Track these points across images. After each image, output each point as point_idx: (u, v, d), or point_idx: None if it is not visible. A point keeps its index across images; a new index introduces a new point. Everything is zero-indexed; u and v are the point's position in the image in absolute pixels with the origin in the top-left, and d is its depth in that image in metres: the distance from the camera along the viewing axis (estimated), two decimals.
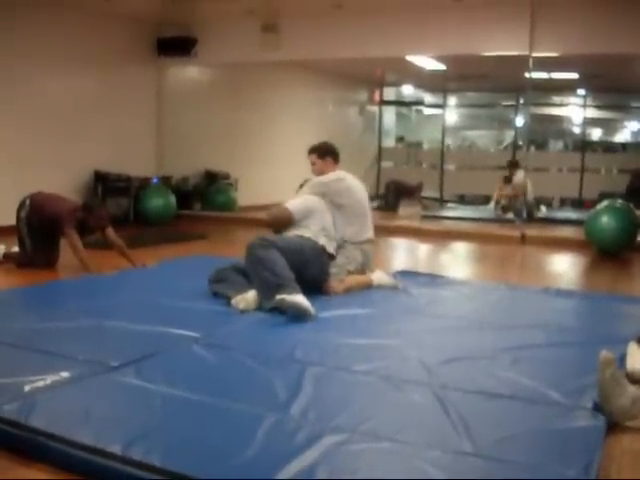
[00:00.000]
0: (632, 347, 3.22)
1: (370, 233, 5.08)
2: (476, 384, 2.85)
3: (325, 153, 5.25)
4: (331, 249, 4.74)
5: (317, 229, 4.73)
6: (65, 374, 2.79)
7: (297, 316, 3.88)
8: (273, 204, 5.49)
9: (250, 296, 4.08)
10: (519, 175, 11.04)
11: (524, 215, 9.64)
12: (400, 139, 17.28)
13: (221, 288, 4.31)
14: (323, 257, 4.65)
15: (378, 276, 4.94)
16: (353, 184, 5.15)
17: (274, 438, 2.28)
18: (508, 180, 11.56)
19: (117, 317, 3.79)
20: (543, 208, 11.64)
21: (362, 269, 4.96)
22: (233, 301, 4.06)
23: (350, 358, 3.21)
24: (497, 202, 11.82)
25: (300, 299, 3.95)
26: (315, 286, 4.55)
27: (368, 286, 4.84)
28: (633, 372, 2.95)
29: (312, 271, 4.51)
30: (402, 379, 2.90)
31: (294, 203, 4.88)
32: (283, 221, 4.80)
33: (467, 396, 2.72)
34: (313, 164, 5.21)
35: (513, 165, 11.72)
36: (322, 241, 4.67)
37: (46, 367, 2.86)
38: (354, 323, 3.91)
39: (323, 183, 5.04)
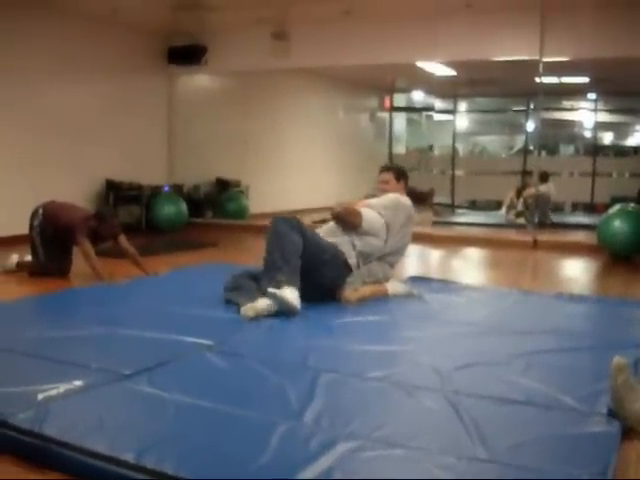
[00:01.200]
0: None
1: (398, 258, 5.08)
2: (489, 390, 2.84)
3: (402, 175, 5.21)
4: (353, 262, 4.67)
5: (357, 250, 4.67)
6: (78, 382, 2.80)
7: (283, 312, 3.98)
8: (284, 212, 5.47)
9: (261, 304, 4.05)
10: (546, 187, 11.01)
11: (536, 220, 9.62)
12: (427, 151, 17.20)
13: (234, 296, 4.31)
14: (341, 266, 4.60)
15: (393, 286, 4.91)
16: (414, 216, 5.09)
17: (287, 445, 2.27)
18: (519, 194, 11.56)
19: (129, 325, 3.79)
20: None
21: (378, 281, 4.93)
22: (242, 309, 4.04)
23: (363, 365, 3.20)
24: (508, 207, 11.79)
25: (288, 295, 3.98)
26: (328, 291, 4.55)
27: (383, 296, 4.79)
28: None
29: (327, 275, 4.50)
30: (415, 385, 2.89)
31: (370, 215, 4.75)
32: (348, 222, 4.68)
33: (480, 402, 2.71)
34: (386, 182, 5.11)
35: (543, 177, 11.49)
36: (347, 256, 4.62)
37: (59, 376, 2.86)
38: (367, 329, 3.90)
39: (407, 207, 4.99)
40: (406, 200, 5.07)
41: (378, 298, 4.74)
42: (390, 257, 4.94)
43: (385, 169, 5.25)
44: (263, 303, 4.05)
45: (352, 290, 4.67)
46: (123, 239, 5.67)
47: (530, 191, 11.32)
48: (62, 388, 2.72)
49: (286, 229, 4.24)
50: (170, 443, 2.29)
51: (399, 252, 5.02)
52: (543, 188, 10.93)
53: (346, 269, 4.63)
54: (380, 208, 4.87)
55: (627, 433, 2.49)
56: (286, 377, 2.96)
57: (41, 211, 5.70)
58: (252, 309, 4.01)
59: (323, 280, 4.47)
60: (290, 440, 2.32)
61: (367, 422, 2.48)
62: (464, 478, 2.08)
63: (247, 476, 2.06)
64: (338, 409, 2.64)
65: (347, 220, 4.67)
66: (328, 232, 4.73)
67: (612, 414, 2.55)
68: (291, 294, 4.04)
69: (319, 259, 4.41)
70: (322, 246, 4.51)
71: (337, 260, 4.57)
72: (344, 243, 4.64)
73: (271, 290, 4.00)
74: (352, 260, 4.65)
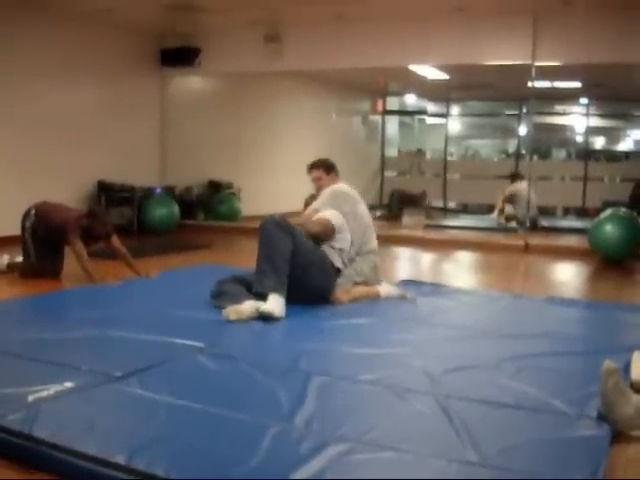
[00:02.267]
0: (636, 356, 3.22)
1: (374, 243, 5.07)
2: (480, 393, 2.85)
3: (331, 168, 5.26)
4: (340, 264, 4.72)
5: (337, 248, 4.71)
6: (69, 384, 2.79)
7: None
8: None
9: (244, 307, 4.04)
10: (519, 185, 11.13)
11: (527, 224, 9.64)
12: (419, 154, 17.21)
13: (220, 301, 4.28)
14: (329, 269, 4.63)
15: (385, 288, 4.94)
16: (357, 195, 5.13)
17: (278, 448, 2.28)
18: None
19: (121, 327, 3.79)
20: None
21: (369, 282, 4.95)
22: (224, 312, 4.00)
23: (354, 368, 3.21)
24: (500, 211, 11.83)
25: (271, 305, 4.01)
26: (320, 296, 4.56)
27: (375, 298, 4.83)
28: (638, 382, 2.94)
29: (316, 278, 4.51)
30: (406, 388, 2.90)
31: (334, 217, 4.78)
32: (328, 235, 4.71)
33: (471, 405, 2.72)
34: (319, 179, 5.17)
35: (515, 177, 11.73)
36: (334, 258, 4.66)
37: (50, 377, 2.85)
38: (358, 332, 3.90)
39: (344, 192, 5.04)
40: (340, 186, 5.10)
41: (370, 300, 4.76)
42: (365, 246, 4.95)
43: (313, 166, 5.26)
44: (246, 307, 4.05)
45: (343, 291, 4.68)
46: (115, 239, 5.66)
47: (505, 192, 11.43)
48: (53, 390, 2.71)
49: (275, 230, 4.25)
50: (161, 445, 2.29)
51: (366, 234, 4.99)
52: (517, 186, 11.10)
53: (334, 270, 4.67)
54: (326, 206, 4.91)
55: (616, 437, 2.50)
56: (277, 380, 2.97)
57: (33, 212, 5.69)
58: (234, 312, 3.99)
59: (313, 282, 4.48)
60: (281, 442, 2.32)
61: (358, 425, 2.49)
62: None
63: (238, 478, 2.06)
64: (329, 412, 2.64)
65: (325, 237, 4.70)
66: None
67: (602, 418, 2.56)
68: (275, 303, 4.04)
69: (308, 260, 4.43)
70: (310, 247, 4.54)
71: (324, 262, 4.61)
72: (325, 247, 4.67)
73: (259, 308, 4.02)
74: (338, 262, 4.69)
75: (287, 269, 4.20)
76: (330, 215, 4.79)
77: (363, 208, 5.10)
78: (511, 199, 11.34)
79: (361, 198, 5.19)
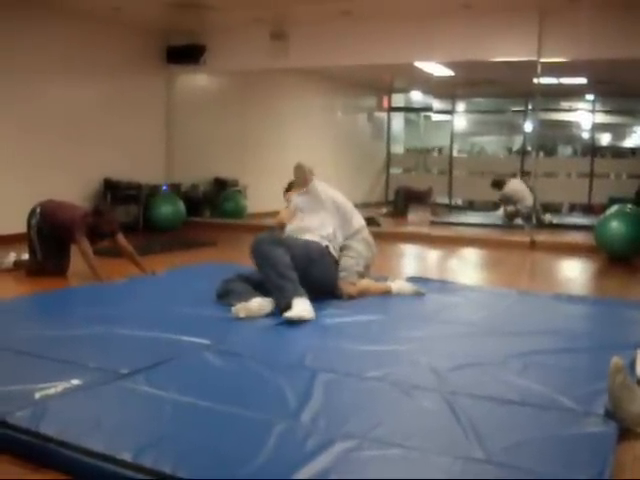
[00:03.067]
0: None
1: (359, 221, 5.09)
2: (486, 390, 2.85)
3: (290, 185, 5.42)
4: (334, 252, 4.74)
5: (322, 235, 4.74)
6: (76, 381, 2.80)
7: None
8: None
9: (253, 304, 4.06)
10: (512, 186, 11.27)
11: (534, 221, 9.64)
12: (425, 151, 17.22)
13: (228, 300, 4.29)
14: (328, 258, 4.66)
15: (398, 284, 4.95)
16: (328, 186, 5.23)
17: (285, 445, 2.28)
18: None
19: (127, 324, 3.80)
20: (548, 216, 11.59)
21: (369, 261, 5.00)
22: (233, 309, 4.02)
23: (360, 364, 3.21)
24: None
25: (300, 311, 3.97)
26: (325, 290, 4.57)
27: (386, 293, 4.85)
28: None
29: (318, 271, 4.53)
30: (412, 385, 2.90)
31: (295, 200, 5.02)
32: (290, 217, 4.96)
33: (478, 402, 2.72)
34: (289, 201, 5.25)
35: (496, 185, 11.74)
36: (325, 243, 4.69)
37: (57, 374, 2.86)
38: (364, 329, 3.90)
39: (314, 183, 5.12)
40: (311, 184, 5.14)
41: (380, 295, 4.79)
42: (350, 227, 4.97)
43: (285, 193, 5.42)
44: (255, 304, 4.06)
45: (350, 284, 4.69)
46: (121, 237, 5.67)
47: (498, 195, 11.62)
48: (60, 387, 2.72)
49: (268, 248, 4.26)
50: (168, 442, 2.29)
51: (347, 216, 5.01)
52: (510, 187, 11.29)
53: (332, 260, 4.70)
54: (300, 201, 5.06)
55: (624, 434, 2.49)
56: (284, 377, 2.97)
57: (39, 210, 5.70)
58: (244, 309, 4.01)
59: (316, 278, 4.48)
60: (287, 440, 2.32)
61: (364, 422, 2.49)
62: (460, 478, 2.08)
63: (245, 475, 2.06)
64: (335, 409, 2.64)
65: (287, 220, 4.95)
66: (298, 233, 4.76)
67: (609, 415, 2.56)
68: (302, 306, 4.03)
69: (308, 260, 4.45)
70: (308, 247, 4.56)
71: (324, 256, 4.64)
72: (315, 238, 4.70)
73: (287, 315, 3.95)
74: (331, 249, 4.72)
75: (295, 273, 4.21)
76: (296, 200, 5.02)
77: (337, 194, 5.16)
78: (508, 200, 11.37)
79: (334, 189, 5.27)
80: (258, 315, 4.03)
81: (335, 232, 4.83)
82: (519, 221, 10.90)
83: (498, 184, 11.69)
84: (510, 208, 11.33)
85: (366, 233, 5.09)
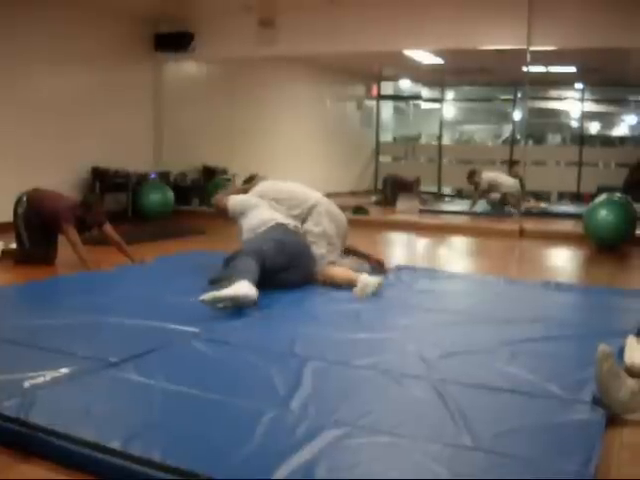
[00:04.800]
0: (631, 341, 3.23)
1: (313, 195, 5.09)
2: (475, 378, 2.86)
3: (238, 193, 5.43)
4: (291, 224, 4.76)
5: (274, 218, 4.77)
6: (64, 370, 2.79)
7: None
8: None
9: (223, 293, 3.88)
10: (484, 177, 11.42)
11: (522, 209, 9.68)
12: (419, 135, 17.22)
13: (214, 287, 4.23)
14: (289, 229, 4.69)
15: (363, 279, 4.58)
16: (264, 183, 5.36)
17: (274, 433, 2.28)
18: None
19: (116, 313, 3.78)
20: (530, 199, 11.65)
21: (341, 235, 5.02)
22: (200, 298, 3.83)
23: (349, 352, 3.21)
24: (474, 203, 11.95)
25: (236, 289, 3.84)
26: (309, 264, 4.60)
27: (351, 284, 4.56)
28: (632, 366, 2.95)
29: (292, 247, 4.54)
30: (401, 373, 2.91)
31: (233, 201, 5.10)
32: (221, 212, 5.16)
33: (466, 390, 2.73)
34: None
35: (471, 176, 11.79)
36: (280, 221, 4.72)
37: (45, 363, 2.85)
38: (353, 317, 3.90)
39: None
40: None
41: (347, 284, 4.63)
42: (303, 208, 5.00)
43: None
44: (229, 290, 3.88)
45: (329, 265, 4.79)
46: (108, 227, 5.65)
47: (482, 186, 11.66)
48: (48, 376, 2.71)
49: (237, 260, 4.23)
50: (157, 430, 2.29)
51: (293, 199, 5.05)
52: (489, 176, 11.47)
53: (295, 231, 4.75)
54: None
55: (611, 421, 2.51)
56: (273, 365, 2.97)
57: (25, 198, 5.67)
58: (210, 297, 3.82)
59: (295, 256, 4.54)
60: (277, 427, 2.33)
61: (353, 409, 2.49)
62: (449, 465, 2.09)
63: (234, 463, 2.06)
64: (324, 397, 2.64)
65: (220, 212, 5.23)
66: (255, 230, 4.75)
67: (596, 402, 2.57)
68: (242, 287, 3.88)
69: (275, 241, 4.47)
70: (267, 234, 4.57)
71: (287, 232, 4.67)
72: (282, 218, 4.78)
73: (218, 293, 3.83)
74: (290, 225, 4.77)
75: (253, 267, 4.13)
76: (233, 199, 5.10)
77: (280, 184, 5.28)
78: (489, 191, 11.44)
79: (276, 181, 5.42)
80: (222, 306, 3.85)
81: (283, 213, 4.88)
82: (510, 209, 10.92)
83: (472, 175, 11.73)
84: (494, 195, 11.38)
85: (324, 207, 5.00)
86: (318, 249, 4.82)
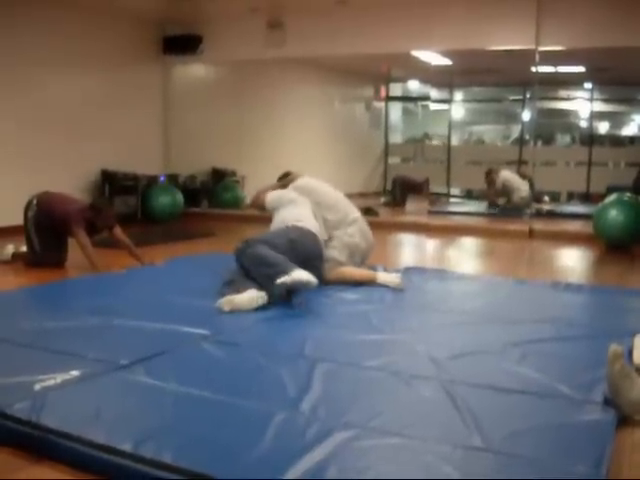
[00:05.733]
0: (638, 340, 3.22)
1: (352, 211, 5.16)
2: (485, 379, 2.85)
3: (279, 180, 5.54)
4: (314, 230, 4.73)
5: (300, 220, 4.76)
6: (75, 373, 2.80)
7: (303, 290, 4.05)
8: None
9: (239, 298, 3.98)
10: (502, 175, 11.45)
11: (534, 210, 9.68)
12: (425, 136, 17.20)
13: (227, 291, 4.25)
14: (308, 233, 4.65)
15: (384, 276, 4.87)
16: (310, 180, 5.34)
17: (285, 435, 2.28)
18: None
19: (126, 315, 3.80)
20: (546, 198, 11.61)
21: (366, 253, 5.08)
22: (218, 302, 3.98)
23: (359, 354, 3.21)
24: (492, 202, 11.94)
25: (297, 274, 3.97)
26: (315, 264, 4.59)
27: (370, 281, 4.81)
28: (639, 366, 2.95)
29: (304, 249, 4.52)
30: (411, 374, 2.90)
31: (271, 196, 5.14)
32: (256, 205, 5.25)
33: (476, 391, 2.72)
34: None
35: (488, 174, 11.83)
36: (302, 224, 4.70)
37: (56, 366, 2.87)
38: (363, 319, 3.90)
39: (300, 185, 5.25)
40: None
41: (365, 283, 4.78)
42: (345, 220, 5.06)
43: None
44: (246, 297, 4.00)
45: (335, 267, 4.81)
46: (118, 230, 5.66)
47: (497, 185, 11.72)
48: (59, 378, 2.72)
49: (250, 252, 4.28)
50: (168, 433, 2.30)
51: (333, 209, 5.09)
52: (504, 176, 11.55)
53: (313, 235, 4.70)
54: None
55: (622, 421, 2.50)
56: (283, 367, 2.97)
57: (35, 202, 5.70)
58: (228, 303, 3.96)
59: (304, 256, 4.50)
60: (287, 429, 2.33)
61: (363, 411, 2.49)
62: (460, 466, 2.09)
63: (245, 464, 2.07)
64: (335, 398, 2.65)
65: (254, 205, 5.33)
66: (278, 224, 4.82)
67: (607, 402, 2.56)
68: (299, 273, 4.01)
69: (289, 240, 4.47)
70: (284, 231, 4.59)
71: (305, 234, 4.65)
72: (292, 223, 4.76)
73: (280, 280, 3.96)
74: (311, 228, 4.74)
75: (286, 259, 4.20)
76: (271, 194, 5.14)
77: (327, 188, 5.28)
78: (502, 192, 11.45)
79: (323, 183, 5.38)
80: (247, 309, 3.96)
81: (315, 219, 4.88)
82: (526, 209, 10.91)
83: (489, 174, 11.74)
84: (502, 200, 11.40)
85: (362, 224, 5.12)
86: (338, 254, 4.88)
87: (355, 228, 5.04)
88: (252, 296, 4.02)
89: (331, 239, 4.94)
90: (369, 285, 4.79)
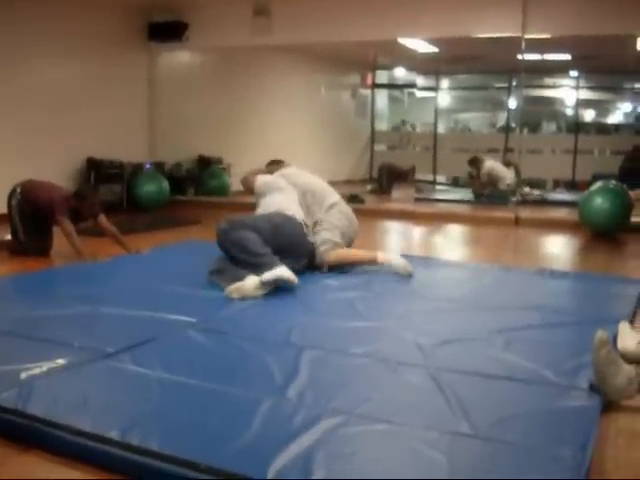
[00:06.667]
0: (623, 327, 3.24)
1: (333, 196, 5.16)
2: (472, 365, 2.86)
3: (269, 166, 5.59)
4: (299, 218, 4.73)
5: (285, 207, 4.77)
6: (61, 361, 2.79)
7: (283, 287, 4.04)
8: None
9: (247, 285, 3.99)
10: (487, 165, 11.51)
11: (519, 197, 9.70)
12: (402, 123, 17.19)
13: (218, 279, 4.26)
14: (293, 220, 4.65)
15: (386, 256, 4.89)
16: (297, 171, 5.35)
17: (272, 421, 2.29)
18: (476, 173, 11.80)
19: (112, 303, 3.78)
20: (527, 189, 11.65)
21: (352, 235, 5.10)
22: (226, 291, 4.00)
23: (346, 341, 3.22)
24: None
25: (281, 272, 4.02)
26: (299, 252, 4.61)
27: (371, 262, 4.84)
28: (624, 352, 2.96)
29: (286, 233, 4.52)
30: (398, 361, 2.91)
31: (260, 181, 5.13)
32: (246, 187, 5.27)
33: (463, 377, 2.73)
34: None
35: (473, 162, 11.86)
36: (288, 212, 4.70)
37: (42, 354, 2.85)
38: (349, 306, 3.91)
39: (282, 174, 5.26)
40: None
41: (365, 264, 4.84)
42: (323, 204, 5.06)
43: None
44: (250, 283, 4.00)
45: (333, 249, 4.82)
46: (103, 218, 5.64)
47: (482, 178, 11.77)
48: (45, 367, 2.71)
49: (233, 234, 4.27)
50: (155, 420, 2.30)
51: (316, 195, 5.10)
52: (489, 165, 11.62)
53: (297, 222, 4.70)
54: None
55: (607, 407, 2.52)
56: (269, 354, 2.97)
57: (19, 190, 5.66)
58: (237, 291, 3.98)
59: (287, 240, 4.52)
60: (274, 416, 2.33)
61: (350, 398, 2.50)
62: (447, 452, 2.10)
63: (232, 452, 2.07)
64: (322, 385, 2.65)
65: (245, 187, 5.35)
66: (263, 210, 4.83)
67: (593, 388, 2.58)
68: (283, 270, 4.06)
69: (272, 225, 4.47)
70: (268, 216, 4.59)
71: (289, 220, 4.65)
72: (295, 208, 4.81)
73: (265, 278, 3.98)
74: (296, 216, 4.74)
75: (268, 248, 4.23)
76: (261, 178, 5.15)
77: (312, 178, 5.28)
78: (488, 182, 11.49)
79: (308, 174, 5.36)
80: (252, 296, 3.97)
81: (300, 208, 4.89)
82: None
83: (474, 162, 11.77)
84: (488, 190, 11.44)
85: (343, 206, 5.14)
86: (327, 233, 4.90)
87: (336, 210, 5.05)
88: (256, 282, 4.00)
89: (319, 223, 4.94)
90: (367, 267, 4.83)
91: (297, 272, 4.32)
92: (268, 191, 4.99)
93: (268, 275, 4.00)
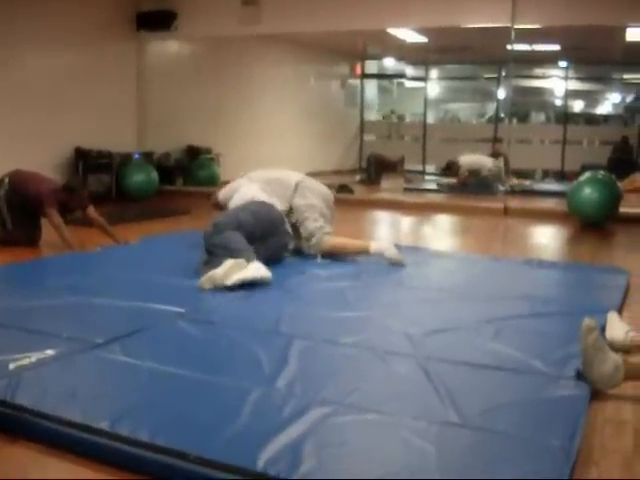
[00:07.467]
0: (611, 317, 3.26)
1: (294, 176, 5.25)
2: (461, 355, 2.87)
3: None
4: (268, 201, 4.82)
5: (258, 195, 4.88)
6: (50, 352, 2.78)
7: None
8: None
9: (217, 274, 3.95)
10: (463, 165, 11.49)
11: (508, 187, 9.71)
12: (391, 112, 17.17)
13: (205, 270, 4.25)
14: (267, 205, 4.75)
15: (379, 245, 4.90)
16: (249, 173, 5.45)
17: (261, 411, 2.29)
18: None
19: (101, 294, 3.78)
20: (515, 180, 11.68)
21: (328, 207, 5.15)
22: (198, 283, 3.96)
23: (335, 331, 3.22)
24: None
25: (254, 271, 3.98)
26: (277, 233, 4.66)
27: (363, 252, 4.86)
28: (612, 341, 2.98)
29: (267, 219, 4.61)
30: (387, 351, 2.92)
31: (223, 193, 5.29)
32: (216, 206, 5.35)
33: (452, 367, 2.74)
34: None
35: (449, 167, 11.87)
36: (260, 198, 4.81)
37: (31, 345, 2.84)
38: (338, 296, 3.91)
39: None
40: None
41: (356, 254, 4.88)
42: (292, 187, 5.13)
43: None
44: (219, 272, 3.94)
45: (325, 237, 4.87)
46: (91, 210, 5.61)
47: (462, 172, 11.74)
48: (34, 357, 2.70)
49: (216, 237, 4.30)
50: (144, 411, 2.29)
51: (283, 183, 5.17)
52: (470, 159, 11.59)
53: (271, 206, 4.81)
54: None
55: (595, 396, 2.53)
56: (259, 344, 2.97)
57: (7, 180, 5.62)
58: (208, 281, 3.94)
59: (271, 227, 4.62)
60: (264, 406, 2.33)
61: (340, 387, 2.50)
62: (436, 442, 2.11)
63: (222, 441, 2.07)
64: (311, 375, 2.65)
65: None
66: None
67: (580, 377, 2.59)
68: (257, 268, 4.02)
69: (251, 212, 4.55)
70: (244, 206, 4.67)
71: (263, 204, 4.75)
72: (265, 197, 4.91)
73: (237, 278, 3.93)
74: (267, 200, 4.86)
75: (246, 244, 4.23)
76: (222, 190, 5.35)
77: (271, 170, 5.44)
78: (472, 174, 11.52)
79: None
80: (227, 283, 3.91)
81: (270, 196, 4.95)
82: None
83: (450, 167, 11.79)
84: (470, 181, 11.48)
85: (308, 182, 5.20)
86: (313, 222, 4.93)
87: (302, 188, 5.09)
88: (230, 265, 3.97)
89: (296, 209, 4.99)
90: (358, 257, 4.86)
91: (286, 258, 4.50)
92: (232, 193, 5.09)
93: (240, 275, 3.93)
